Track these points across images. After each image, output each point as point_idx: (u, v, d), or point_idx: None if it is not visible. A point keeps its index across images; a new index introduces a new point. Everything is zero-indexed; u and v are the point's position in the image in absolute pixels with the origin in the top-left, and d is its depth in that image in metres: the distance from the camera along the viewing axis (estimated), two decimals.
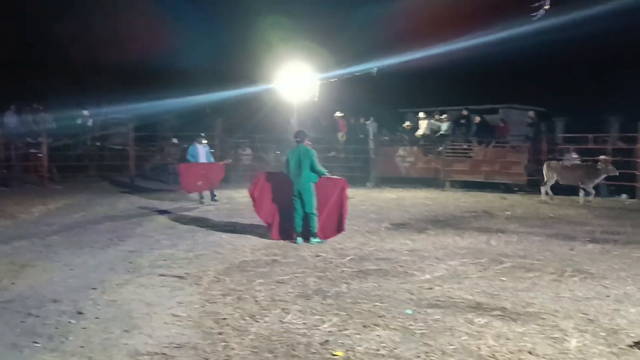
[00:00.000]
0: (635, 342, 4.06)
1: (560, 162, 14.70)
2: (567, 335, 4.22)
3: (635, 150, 15.27)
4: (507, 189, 16.64)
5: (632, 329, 4.36)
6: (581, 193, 13.60)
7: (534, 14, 13.02)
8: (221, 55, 20.14)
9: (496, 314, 4.72)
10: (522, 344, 4.04)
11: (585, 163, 14.50)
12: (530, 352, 3.88)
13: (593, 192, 13.42)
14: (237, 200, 12.99)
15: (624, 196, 15.00)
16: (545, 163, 14.40)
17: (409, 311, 4.77)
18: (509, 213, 11.52)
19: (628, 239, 8.43)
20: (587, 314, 4.74)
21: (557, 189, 15.92)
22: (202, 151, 12.64)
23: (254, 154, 19.64)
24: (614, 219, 10.82)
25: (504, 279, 5.97)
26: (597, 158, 15.82)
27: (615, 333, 4.28)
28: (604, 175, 13.42)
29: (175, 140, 19.29)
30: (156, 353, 3.86)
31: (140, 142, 17.86)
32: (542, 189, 14.01)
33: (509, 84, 22.58)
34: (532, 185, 16.89)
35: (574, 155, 16.61)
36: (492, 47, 16.87)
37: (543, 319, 4.62)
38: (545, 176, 14.02)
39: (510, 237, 8.49)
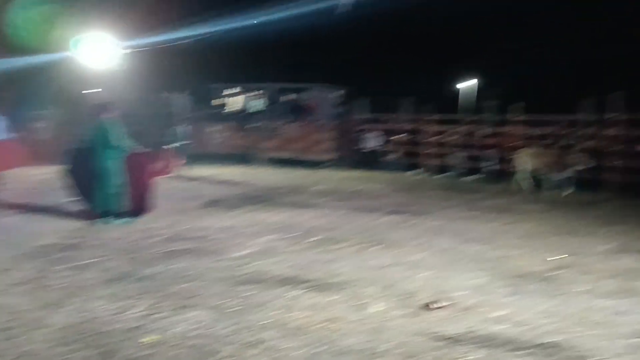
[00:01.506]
0: (426, 304, 4.50)
1: (533, 149, 13.33)
2: (369, 302, 4.53)
3: (425, 130, 16.96)
4: (316, 165, 17.41)
5: (424, 292, 4.83)
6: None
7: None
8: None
9: (306, 286, 4.90)
10: (330, 313, 4.25)
11: (555, 150, 13.09)
12: (338, 320, 4.09)
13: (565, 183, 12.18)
14: (35, 178, 11.78)
15: (417, 171, 16.61)
16: (518, 151, 13.32)
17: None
18: (318, 188, 12.04)
19: (421, 210, 9.32)
20: (386, 281, 5.14)
21: (360, 164, 17.10)
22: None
23: (50, 128, 17.95)
24: (409, 192, 11.91)
25: (313, 251, 6.23)
26: (393, 136, 17.23)
27: (411, 296, 4.71)
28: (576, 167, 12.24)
29: None
30: None
31: None
32: (518, 177, 12.77)
33: (318, 63, 23.46)
34: (338, 161, 17.92)
35: (376, 134, 17.94)
36: (303, 26, 17.31)
37: (348, 288, 4.90)
38: (518, 164, 12.92)
39: (319, 212, 8.88)
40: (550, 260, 6.13)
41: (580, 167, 12.28)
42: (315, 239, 6.85)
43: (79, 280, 4.92)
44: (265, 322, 4.02)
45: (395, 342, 3.70)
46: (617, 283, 5.34)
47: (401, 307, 4.44)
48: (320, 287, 4.89)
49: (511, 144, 15.03)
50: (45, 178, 11.85)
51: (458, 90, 26.87)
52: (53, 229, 7.03)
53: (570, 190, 12.06)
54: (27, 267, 5.28)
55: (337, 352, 3.53)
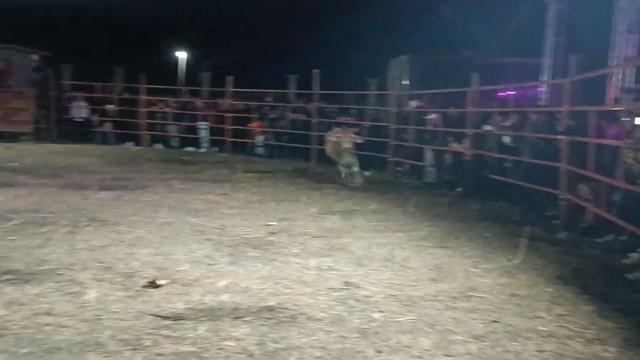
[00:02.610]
0: (148, 282, 4.32)
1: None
2: (85, 288, 4.15)
3: (139, 100, 16.31)
4: (12, 138, 15.39)
5: (145, 270, 4.63)
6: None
7: None
8: None
9: (7, 278, 4.27)
10: (39, 305, 3.76)
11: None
12: (48, 314, 3.64)
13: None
14: None
15: (130, 143, 15.92)
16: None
17: None
18: (17, 164, 10.66)
19: (137, 184, 8.96)
20: (103, 262, 4.79)
21: (67, 136, 15.69)
22: None
23: None
24: (122, 166, 11.34)
25: (14, 237, 5.47)
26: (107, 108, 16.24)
27: (131, 277, 4.46)
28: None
29: None
30: None
31: None
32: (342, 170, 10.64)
33: (10, 22, 20.57)
34: (40, 134, 16.14)
35: (83, 103, 16.59)
36: None
37: (60, 274, 4.42)
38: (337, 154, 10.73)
39: (20, 191, 7.88)
40: (265, 227, 6.48)
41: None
42: (15, 222, 6.03)
43: None
44: None
45: (116, 328, 3.45)
46: (324, 241, 5.91)
47: (121, 289, 4.17)
48: (26, 277, 4.30)
49: (223, 115, 15.49)
50: None
51: (176, 61, 26.55)
52: None
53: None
54: None
55: (49, 349, 3.13)
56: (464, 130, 10.02)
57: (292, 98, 17.31)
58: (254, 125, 15.19)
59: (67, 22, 23.75)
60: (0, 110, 15.72)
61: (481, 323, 3.82)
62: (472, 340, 3.52)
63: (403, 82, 16.50)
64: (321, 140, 12.39)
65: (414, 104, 13.18)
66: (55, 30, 22.84)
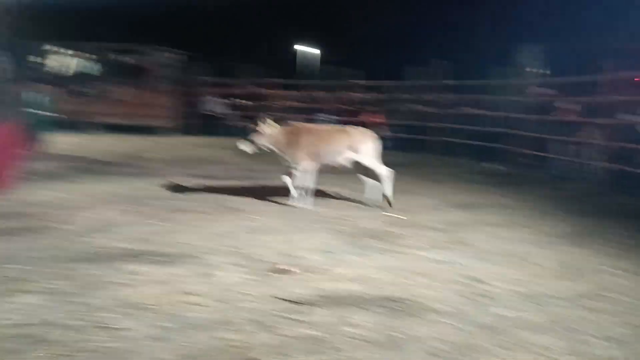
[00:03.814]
0: (277, 268, 4.55)
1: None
2: (216, 270, 4.46)
3: (266, 94, 17.02)
4: (153, 131, 16.70)
5: (272, 257, 4.87)
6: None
7: None
8: None
9: (148, 259, 4.68)
10: (175, 286, 4.10)
11: None
12: (184, 292, 3.97)
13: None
14: None
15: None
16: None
17: None
18: (156, 156, 11.56)
19: (266, 175, 9.39)
20: (233, 247, 5.10)
21: (201, 130, 16.71)
22: None
23: None
24: (253, 158, 11.88)
25: (155, 222, 5.97)
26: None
27: (258, 261, 4.72)
28: None
29: None
30: None
31: None
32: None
33: (154, 25, 22.29)
34: (178, 127, 17.35)
35: (217, 99, 17.61)
36: None
37: (196, 257, 4.78)
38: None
39: (162, 180, 8.54)
40: (386, 217, 6.53)
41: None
42: (157, 208, 6.58)
43: None
44: (104, 301, 3.77)
45: (247, 309, 3.69)
46: (445, 234, 5.85)
47: (251, 273, 4.44)
48: (163, 259, 4.70)
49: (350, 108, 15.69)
50: None
51: (296, 54, 27.23)
52: None
53: None
54: None
55: (186, 325, 3.43)
56: (599, 120, 9.38)
57: (412, 88, 17.10)
58: (375, 118, 15.26)
59: (202, 21, 25.22)
60: (140, 106, 17.13)
61: (615, 325, 3.61)
62: (603, 342, 3.35)
63: (533, 70, 15.71)
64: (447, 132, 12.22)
65: (543, 91, 12.55)
66: (190, 29, 24.37)
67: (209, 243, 5.24)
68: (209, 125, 17.33)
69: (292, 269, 4.54)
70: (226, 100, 17.72)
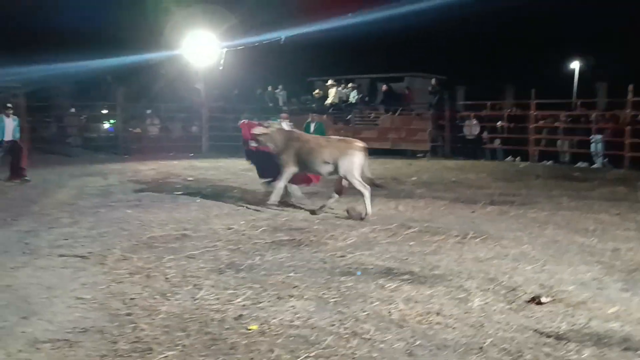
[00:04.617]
0: (531, 298, 4.33)
1: None
2: (470, 295, 4.43)
3: (528, 116, 16.23)
4: (413, 155, 17.20)
5: (528, 286, 4.65)
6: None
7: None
8: (119, 18, 19.04)
9: (405, 278, 4.87)
10: (430, 305, 4.19)
11: None
12: (437, 313, 4.03)
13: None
14: (143, 173, 12.53)
15: (519, 159, 15.94)
16: None
17: (359, 272, 4.95)
18: (415, 179, 11.89)
19: (523, 201, 8.97)
20: (488, 274, 5.00)
21: (459, 153, 16.67)
22: (9, 125, 11.05)
23: (161, 124, 19.02)
24: (510, 182, 11.47)
25: (412, 243, 6.17)
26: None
27: (514, 290, 4.55)
28: None
29: (73, 110, 18.27)
30: (58, 339, 3.65)
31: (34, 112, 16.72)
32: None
33: (413, 53, 23.15)
34: (436, 151, 17.62)
35: (474, 122, 17.41)
36: (397, 18, 17.24)
37: (449, 280, 4.82)
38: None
39: (417, 203, 8.77)
40: None
41: None
42: (413, 230, 6.78)
43: (188, 269, 5.18)
44: (364, 313, 4.04)
45: (497, 338, 3.59)
46: None
47: (504, 301, 4.31)
48: (420, 279, 4.85)
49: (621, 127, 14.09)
50: (152, 172, 12.58)
51: (570, 73, 25.49)
52: (163, 220, 7.38)
53: None
54: (144, 256, 5.62)
55: (437, 345, 3.48)
56: None
57: None
58: None
59: (460, 47, 25.32)
60: (402, 130, 17.83)
61: None
62: None
63: None
64: None
65: None
66: (450, 55, 24.63)
67: (462, 267, 5.23)
68: (467, 149, 17.19)
69: (550, 301, 4.26)
70: (485, 124, 17.40)
